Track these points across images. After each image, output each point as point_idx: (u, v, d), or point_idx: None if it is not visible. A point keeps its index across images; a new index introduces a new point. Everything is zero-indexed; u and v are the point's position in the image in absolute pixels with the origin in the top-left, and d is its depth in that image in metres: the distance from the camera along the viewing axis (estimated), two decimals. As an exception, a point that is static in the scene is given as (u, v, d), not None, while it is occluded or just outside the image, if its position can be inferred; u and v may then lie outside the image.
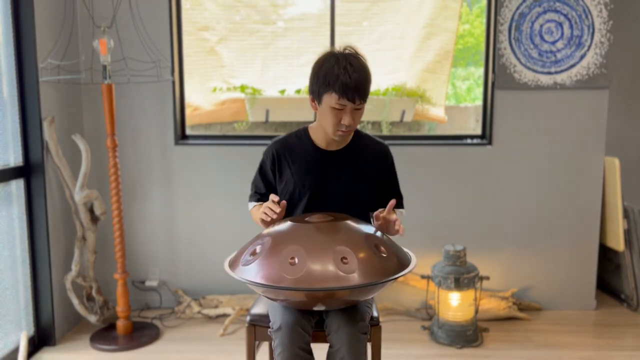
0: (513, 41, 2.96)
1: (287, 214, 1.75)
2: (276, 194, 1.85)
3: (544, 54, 2.97)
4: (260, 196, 1.89)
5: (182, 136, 3.14)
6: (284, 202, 1.68)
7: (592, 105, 3.02)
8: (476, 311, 2.77)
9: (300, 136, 1.82)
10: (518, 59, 2.97)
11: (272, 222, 1.67)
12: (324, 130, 1.73)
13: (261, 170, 1.87)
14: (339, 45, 1.70)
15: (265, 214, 1.66)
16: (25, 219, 2.61)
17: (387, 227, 1.64)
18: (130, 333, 2.78)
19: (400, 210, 1.89)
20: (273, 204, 1.65)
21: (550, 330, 2.89)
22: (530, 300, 3.15)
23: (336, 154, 1.79)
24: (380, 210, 1.67)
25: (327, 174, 1.78)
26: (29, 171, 2.62)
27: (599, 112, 3.02)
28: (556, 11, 2.95)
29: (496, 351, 2.64)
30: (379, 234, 1.59)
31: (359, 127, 1.81)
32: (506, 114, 3.03)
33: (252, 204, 1.92)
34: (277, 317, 1.58)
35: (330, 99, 1.64)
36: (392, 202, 1.62)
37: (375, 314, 1.74)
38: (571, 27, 2.95)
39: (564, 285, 3.14)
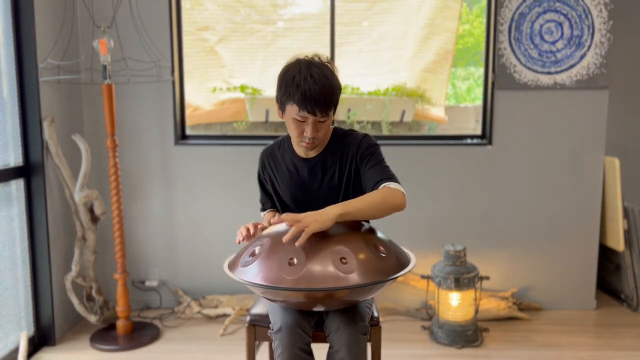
0: (513, 41, 2.96)
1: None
2: (274, 201, 1.84)
3: (544, 54, 2.97)
4: (263, 206, 1.90)
5: (182, 136, 3.14)
6: (262, 225, 1.64)
7: (592, 105, 3.01)
8: (476, 311, 2.77)
9: (282, 144, 1.80)
10: (518, 59, 2.97)
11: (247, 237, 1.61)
12: None
13: (259, 180, 1.88)
14: (309, 52, 1.62)
15: (241, 232, 1.61)
16: (25, 219, 2.61)
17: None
18: (130, 333, 2.78)
19: (388, 183, 1.61)
20: (250, 226, 1.62)
21: (550, 330, 2.88)
22: (530, 300, 3.15)
23: (315, 160, 1.73)
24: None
25: (308, 181, 1.74)
26: (29, 171, 2.62)
27: (599, 112, 3.02)
28: (556, 11, 2.94)
29: (496, 351, 2.64)
30: (376, 234, 1.59)
31: (353, 125, 1.77)
32: (506, 114, 3.03)
33: (263, 213, 1.92)
34: (277, 319, 1.58)
35: (292, 110, 1.58)
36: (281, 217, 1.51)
37: (375, 314, 1.74)
38: (571, 27, 2.95)
39: (564, 285, 3.14)
